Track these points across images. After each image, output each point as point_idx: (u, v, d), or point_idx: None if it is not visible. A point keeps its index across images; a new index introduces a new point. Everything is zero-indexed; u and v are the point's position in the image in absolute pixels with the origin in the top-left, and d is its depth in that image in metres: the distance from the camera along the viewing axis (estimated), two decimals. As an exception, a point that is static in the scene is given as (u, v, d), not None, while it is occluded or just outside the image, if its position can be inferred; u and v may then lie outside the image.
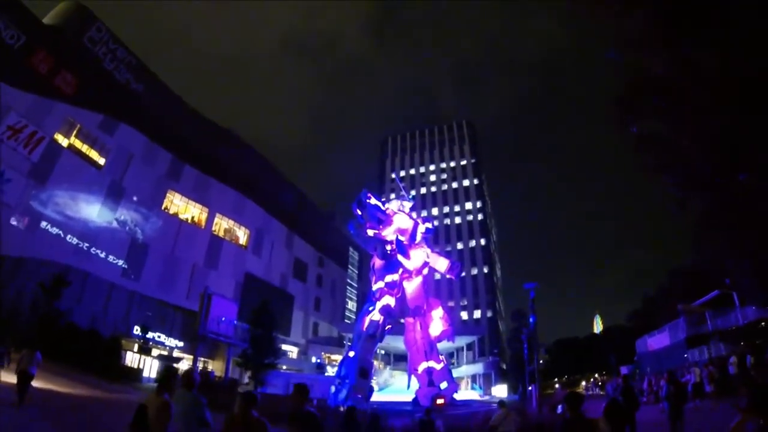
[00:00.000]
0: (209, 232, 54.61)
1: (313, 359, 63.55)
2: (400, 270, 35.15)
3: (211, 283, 49.09)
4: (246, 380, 41.78)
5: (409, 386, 39.33)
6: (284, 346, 59.64)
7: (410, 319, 36.08)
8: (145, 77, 50.27)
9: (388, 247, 34.82)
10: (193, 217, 53.39)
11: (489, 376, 60.56)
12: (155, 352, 39.92)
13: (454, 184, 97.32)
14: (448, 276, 40.03)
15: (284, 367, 53.42)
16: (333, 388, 31.67)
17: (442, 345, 54.87)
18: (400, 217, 36.34)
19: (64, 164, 39.28)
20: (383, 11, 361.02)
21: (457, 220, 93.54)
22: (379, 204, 36.57)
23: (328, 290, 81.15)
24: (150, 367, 37.87)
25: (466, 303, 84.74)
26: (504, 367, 62.90)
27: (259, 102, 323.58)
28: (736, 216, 13.04)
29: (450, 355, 72.63)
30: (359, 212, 36.02)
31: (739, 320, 27.34)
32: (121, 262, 42.83)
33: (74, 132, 41.03)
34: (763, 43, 10.69)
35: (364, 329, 32.56)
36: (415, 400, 33.34)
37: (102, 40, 45.58)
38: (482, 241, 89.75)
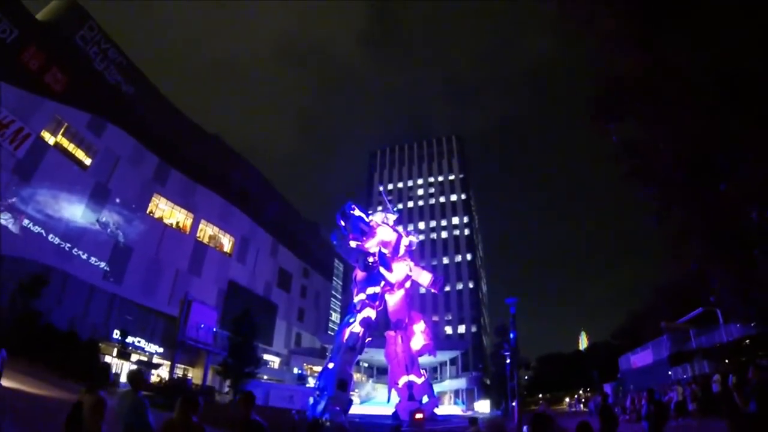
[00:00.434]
0: (194, 238, 54.16)
1: (295, 370, 62.94)
2: (382, 282, 35.05)
3: (194, 290, 48.62)
4: (226, 389, 41.27)
5: (389, 400, 39.02)
6: (266, 356, 59.03)
7: (392, 333, 35.89)
8: (136, 79, 50.05)
9: (371, 259, 34.71)
10: (178, 223, 52.94)
11: (472, 391, 60.36)
12: (134, 357, 39.24)
13: (442, 199, 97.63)
14: (431, 290, 39.97)
15: (265, 377, 52.86)
16: (311, 400, 31.35)
17: (425, 359, 54.70)
18: (383, 229, 36.27)
19: (50, 162, 38.76)
20: (376, 23, 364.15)
21: (444, 234, 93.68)
22: (363, 215, 36.52)
23: (312, 301, 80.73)
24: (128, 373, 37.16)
25: (450, 317, 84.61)
26: (488, 382, 62.73)
27: (248, 109, 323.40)
28: (717, 229, 13.01)
29: (433, 370, 72.35)
30: (343, 223, 35.97)
31: (723, 338, 27.36)
32: (103, 265, 42.19)
33: (61, 130, 40.60)
34: (739, 41, 10.82)
35: (344, 341, 32.33)
36: (395, 414, 33.10)
37: (94, 40, 45.38)
38: (468, 256, 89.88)
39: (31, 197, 36.90)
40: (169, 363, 40.64)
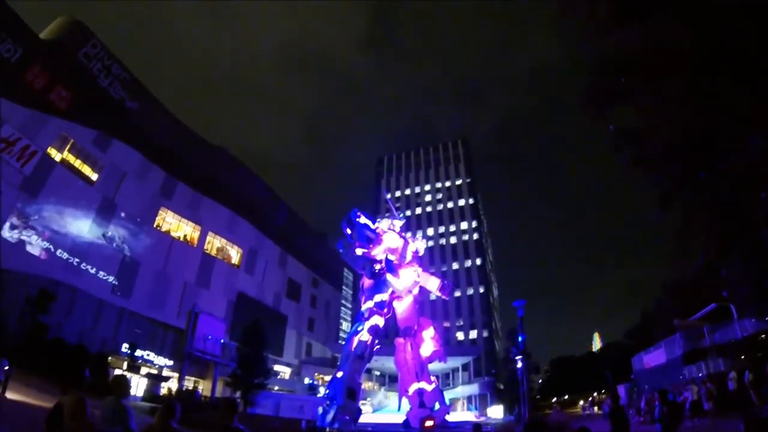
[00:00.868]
0: (201, 251, 54.32)
1: (306, 380, 62.64)
2: (390, 289, 34.85)
3: (203, 302, 48.73)
4: (237, 400, 41.14)
5: (400, 408, 38.64)
6: (277, 367, 58.89)
7: (401, 340, 35.56)
8: (140, 94, 50.49)
9: (377, 267, 34.51)
10: (185, 235, 53.16)
11: (485, 396, 59.73)
12: (144, 370, 39.31)
13: (450, 204, 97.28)
14: (441, 296, 39.57)
15: (276, 388, 52.69)
16: (320, 410, 31.13)
17: (437, 365, 54.32)
18: (390, 236, 36.04)
19: (57, 179, 39.20)
20: (376, 28, 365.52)
21: (453, 240, 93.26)
22: (369, 222, 36.37)
23: (321, 311, 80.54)
24: (137, 386, 37.25)
25: (462, 323, 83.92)
26: (501, 387, 62.06)
27: (253, 119, 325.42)
28: (724, 215, 12.56)
29: (446, 376, 71.88)
30: (349, 231, 35.82)
31: (738, 334, 26.63)
32: (111, 279, 42.41)
33: (67, 147, 41.08)
34: (732, 14, 10.55)
35: (353, 349, 32.11)
36: (406, 421, 32.76)
37: (97, 56, 45.86)
38: (478, 261, 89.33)
39: (39, 213, 37.22)
40: (179, 375, 40.65)
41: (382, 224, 36.97)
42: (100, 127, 44.05)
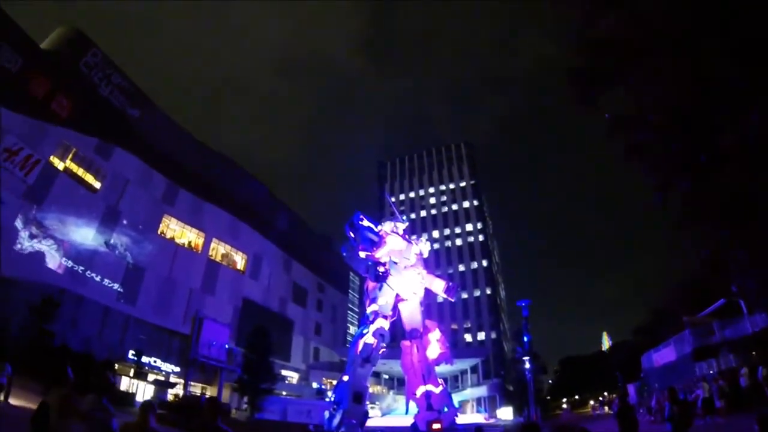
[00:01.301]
0: (206, 257, 54.28)
1: (314, 385, 62.51)
2: (394, 292, 34.58)
3: (209, 308, 48.69)
4: (244, 406, 41.02)
5: (407, 411, 38.24)
6: (284, 372, 58.72)
7: (407, 342, 35.07)
8: (141, 102, 50.56)
9: (381, 269, 34.28)
10: (189, 242, 53.15)
11: (494, 398, 59.31)
12: (151, 377, 39.23)
13: (454, 206, 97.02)
14: (447, 297, 39.23)
15: (284, 393, 52.51)
16: (327, 414, 30.85)
17: (447, 368, 53.90)
18: (393, 238, 35.72)
19: (60, 187, 39.23)
20: (374, 32, 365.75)
21: (458, 242, 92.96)
22: (372, 225, 36.17)
23: (328, 315, 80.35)
24: (143, 392, 37.16)
25: (469, 325, 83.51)
26: (510, 388, 61.61)
27: (254, 125, 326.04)
28: (727, 200, 12.04)
29: (455, 378, 71.40)
30: (352, 234, 35.62)
31: (749, 329, 26.22)
32: (116, 286, 42.37)
33: (70, 155, 41.12)
34: None
35: (358, 353, 31.84)
36: (414, 425, 32.39)
37: (98, 66, 45.96)
38: (484, 262, 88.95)
39: (43, 222, 37.30)
40: (184, 381, 40.57)
41: (385, 227, 36.60)
42: (102, 136, 44.12)
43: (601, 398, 51.19)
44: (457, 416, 34.10)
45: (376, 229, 35.72)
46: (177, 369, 41.00)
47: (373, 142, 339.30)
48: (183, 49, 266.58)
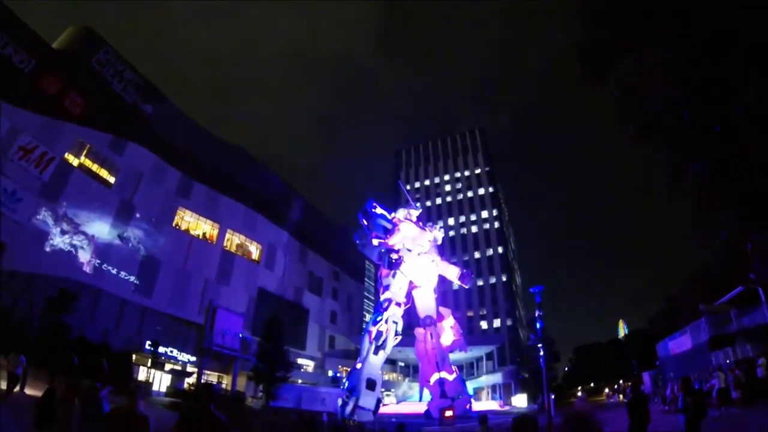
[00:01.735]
0: (221, 248, 54.87)
1: (330, 373, 63.08)
2: (408, 279, 34.63)
3: (224, 298, 49.38)
4: (259, 394, 41.64)
5: (421, 398, 38.62)
6: (300, 360, 59.38)
7: (421, 330, 35.37)
8: (153, 97, 51.10)
9: (394, 256, 34.30)
10: (204, 234, 53.78)
11: (509, 385, 59.30)
12: (168, 366, 40.03)
13: (470, 193, 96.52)
14: (461, 284, 39.11)
15: (300, 381, 53.14)
16: (340, 401, 31.22)
17: (462, 355, 54.16)
18: (406, 225, 35.76)
19: (75, 183, 40.09)
20: (388, 26, 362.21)
21: (474, 229, 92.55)
22: (385, 213, 36.20)
23: (344, 304, 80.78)
24: (160, 382, 37.96)
25: (485, 312, 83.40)
26: (526, 375, 61.52)
27: (269, 119, 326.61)
28: (743, 181, 11.38)
29: (470, 365, 71.60)
30: (365, 222, 35.72)
31: (767, 317, 25.84)
32: (132, 279, 43.23)
33: (84, 152, 41.91)
34: None
35: (371, 341, 32.10)
36: (427, 411, 32.67)
37: (109, 62, 46.54)
38: (500, 249, 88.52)
39: (59, 217, 38.09)
40: (198, 370, 41.35)
41: (399, 214, 36.72)
42: (115, 131, 44.85)
43: (616, 386, 50.73)
44: (470, 403, 34.35)
45: (389, 217, 36.00)
46: (193, 359, 41.77)
47: (388, 133, 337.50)
48: (197, 49, 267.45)
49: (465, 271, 37.81)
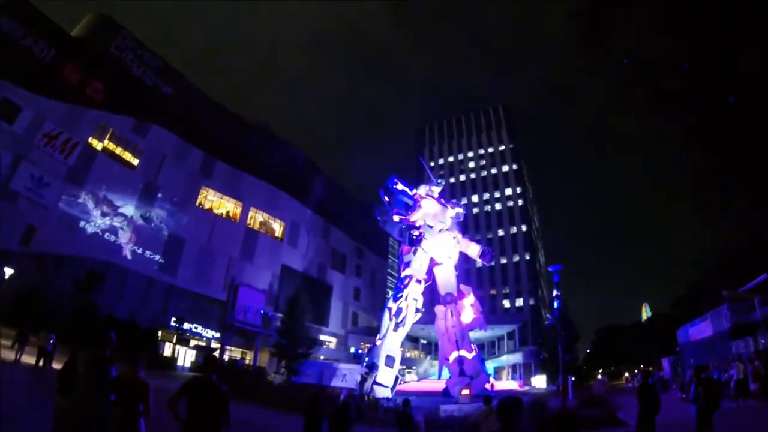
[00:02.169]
0: (244, 226, 55.65)
1: (352, 350, 63.76)
2: (429, 256, 34.54)
3: (247, 276, 50.21)
4: (282, 370, 42.48)
5: (440, 376, 38.79)
6: (322, 337, 60.16)
7: (441, 307, 35.29)
8: (173, 79, 51.67)
9: (415, 233, 34.17)
10: (227, 212, 54.58)
11: (529, 365, 59.01)
12: (193, 342, 41.17)
13: (493, 170, 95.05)
14: (482, 262, 38.81)
15: (322, 358, 53.92)
16: (359, 378, 31.63)
17: (484, 334, 54.06)
18: (427, 201, 35.47)
19: (99, 167, 41.26)
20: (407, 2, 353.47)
21: (498, 206, 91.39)
22: (407, 189, 35.92)
23: (367, 280, 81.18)
24: (184, 357, 39.12)
25: (508, 291, 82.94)
26: (547, 356, 61.22)
27: (290, 98, 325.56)
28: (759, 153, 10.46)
29: (491, 344, 71.52)
30: (387, 198, 35.55)
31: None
32: (158, 258, 44.38)
33: (107, 136, 42.95)
34: None
35: (392, 317, 32.29)
36: (446, 389, 32.80)
37: (128, 47, 47.21)
38: (523, 227, 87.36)
39: (85, 200, 39.19)
40: (226, 347, 42.30)
41: (420, 190, 36.44)
42: (137, 114, 45.68)
43: (636, 371, 50.12)
44: (488, 382, 34.29)
45: (410, 193, 35.72)
46: (217, 335, 42.86)
47: (411, 109, 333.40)
48: (215, 32, 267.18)
49: (486, 248, 37.54)
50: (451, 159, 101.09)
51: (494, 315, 71.40)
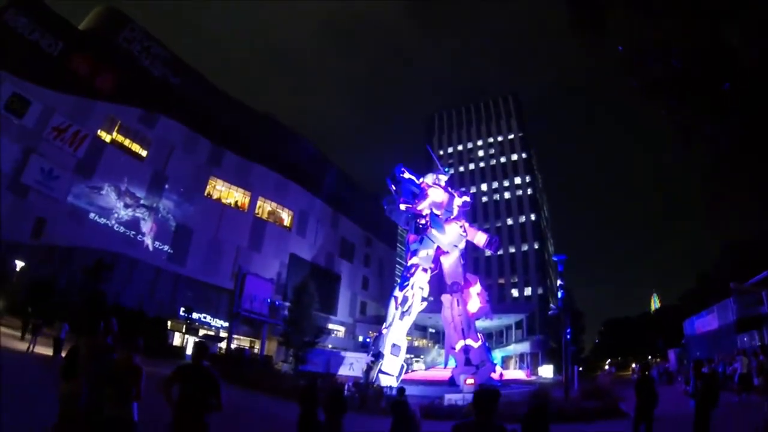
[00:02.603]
0: (252, 216, 55.94)
1: (360, 338, 64.01)
2: (435, 245, 34.53)
3: (256, 265, 50.50)
4: (290, 358, 42.85)
5: (446, 365, 38.93)
6: (331, 326, 60.52)
7: (447, 296, 35.30)
8: (181, 70, 51.80)
9: (422, 222, 34.14)
10: (236, 202, 54.89)
11: (536, 355, 59.06)
12: (201, 332, 41.64)
13: (503, 159, 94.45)
14: (488, 251, 38.75)
15: (330, 346, 54.25)
16: (365, 366, 31.81)
17: (492, 323, 54.07)
18: (435, 190, 35.36)
19: (108, 158, 41.76)
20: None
21: (507, 195, 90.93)
22: (414, 178, 35.84)
23: (376, 269, 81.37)
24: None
25: (516, 280, 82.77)
26: (554, 346, 61.11)
27: (300, 88, 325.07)
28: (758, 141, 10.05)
29: (499, 334, 71.48)
30: (393, 187, 35.49)
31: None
32: (166, 248, 44.86)
33: (116, 127, 43.39)
34: None
35: (398, 306, 32.40)
36: (452, 378, 32.92)
37: (136, 39, 47.39)
38: (532, 216, 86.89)
39: (95, 192, 39.68)
40: (235, 336, 42.75)
41: (427, 179, 36.31)
42: (145, 106, 45.97)
43: (634, 363, 50.02)
44: (494, 372, 34.34)
45: (417, 182, 35.62)
46: (226, 324, 43.30)
47: (421, 98, 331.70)
48: (226, 19, 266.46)
49: (492, 237, 37.43)
50: (460, 147, 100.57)
51: (502, 304, 71.37)
